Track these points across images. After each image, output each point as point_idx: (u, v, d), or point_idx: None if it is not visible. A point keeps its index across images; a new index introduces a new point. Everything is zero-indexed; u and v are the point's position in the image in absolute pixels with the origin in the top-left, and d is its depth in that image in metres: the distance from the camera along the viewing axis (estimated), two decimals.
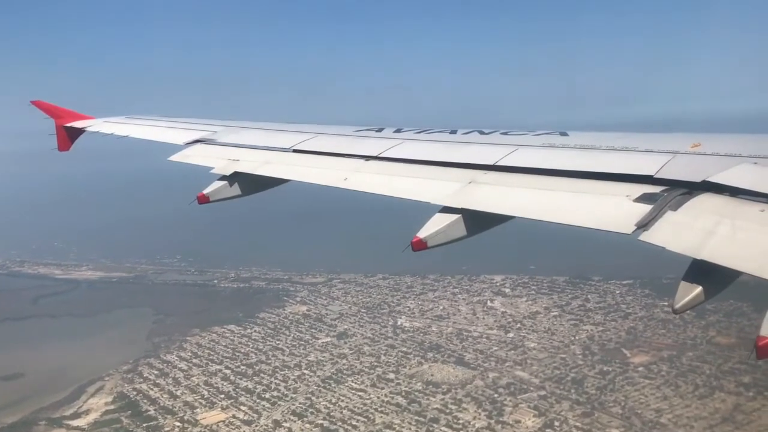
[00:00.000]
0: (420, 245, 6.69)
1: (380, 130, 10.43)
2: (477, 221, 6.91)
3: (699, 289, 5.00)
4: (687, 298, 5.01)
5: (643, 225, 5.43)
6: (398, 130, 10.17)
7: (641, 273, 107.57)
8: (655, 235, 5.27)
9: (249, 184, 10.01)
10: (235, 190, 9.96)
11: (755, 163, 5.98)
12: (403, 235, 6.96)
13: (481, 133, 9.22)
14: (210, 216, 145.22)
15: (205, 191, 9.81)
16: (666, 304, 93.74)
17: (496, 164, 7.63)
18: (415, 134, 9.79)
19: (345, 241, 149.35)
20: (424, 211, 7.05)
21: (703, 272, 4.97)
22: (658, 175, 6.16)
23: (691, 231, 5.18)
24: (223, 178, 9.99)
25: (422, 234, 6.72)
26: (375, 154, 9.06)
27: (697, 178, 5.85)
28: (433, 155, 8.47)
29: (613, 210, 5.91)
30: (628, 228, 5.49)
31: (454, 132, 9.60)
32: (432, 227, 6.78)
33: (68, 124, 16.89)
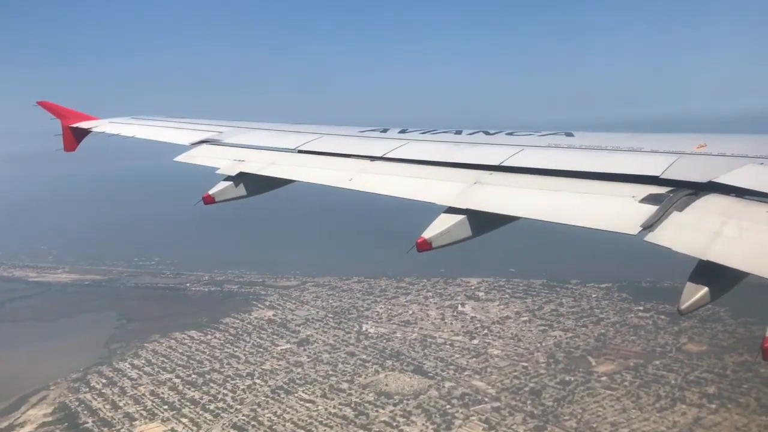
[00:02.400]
0: (425, 246, 6.67)
1: (385, 130, 10.43)
2: (482, 222, 6.90)
3: (705, 290, 4.98)
4: (693, 299, 4.99)
5: (649, 226, 5.43)
6: (403, 131, 10.17)
7: (621, 276, 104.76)
8: (660, 236, 5.28)
9: (254, 184, 10.00)
10: (241, 190, 9.95)
11: (761, 163, 5.94)
12: (407, 236, 6.91)
13: (487, 133, 9.22)
14: (211, 217, 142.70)
15: (211, 192, 9.82)
16: (641, 308, 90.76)
17: (502, 165, 7.60)
18: (420, 135, 9.79)
19: (337, 243, 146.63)
20: (429, 211, 7.04)
21: (709, 273, 4.95)
22: (663, 176, 6.13)
23: (697, 232, 5.19)
24: (228, 178, 9.98)
25: (427, 234, 6.70)
26: (380, 155, 9.04)
27: (703, 179, 5.83)
28: (438, 156, 8.46)
29: (618, 211, 5.89)
30: (634, 229, 5.47)
31: (459, 132, 9.59)
32: (437, 228, 6.78)
33: (74, 125, 17.03)
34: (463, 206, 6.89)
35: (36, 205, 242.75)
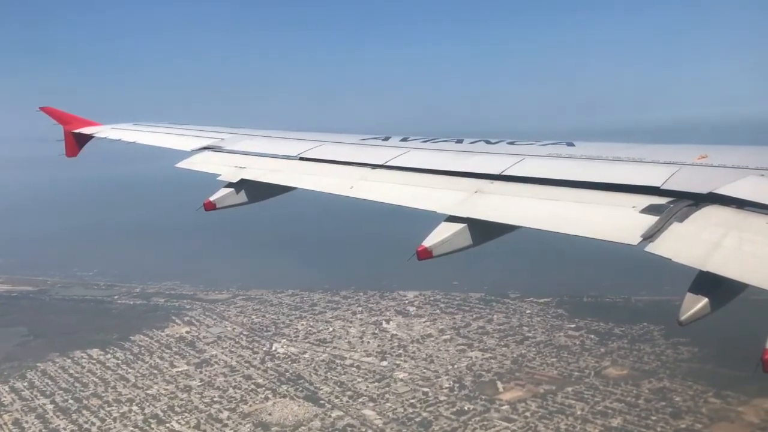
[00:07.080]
0: (425, 254, 6.62)
1: (387, 138, 10.41)
2: (483, 231, 6.85)
3: (705, 301, 4.95)
4: (692, 310, 4.95)
5: (649, 236, 5.38)
6: (404, 139, 10.17)
7: (565, 289, 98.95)
8: (660, 247, 5.22)
9: (256, 191, 9.95)
10: (242, 197, 9.91)
11: (762, 175, 5.89)
12: (408, 244, 6.89)
13: (488, 142, 9.19)
14: (199, 224, 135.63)
15: (212, 198, 9.75)
16: (573, 326, 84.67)
17: (503, 174, 7.56)
18: (422, 143, 9.77)
19: (309, 253, 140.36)
20: (430, 220, 7.03)
21: (709, 284, 4.93)
22: (664, 187, 6.08)
23: (697, 243, 5.13)
24: (230, 185, 9.94)
25: (428, 243, 6.65)
26: (381, 163, 8.96)
27: (704, 190, 5.77)
28: (440, 164, 8.41)
29: (619, 221, 5.84)
30: (634, 239, 5.43)
31: (460, 141, 9.58)
32: (437, 236, 6.72)
33: (76, 131, 16.84)
34: (464, 215, 6.82)
35: (6, 211, 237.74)
